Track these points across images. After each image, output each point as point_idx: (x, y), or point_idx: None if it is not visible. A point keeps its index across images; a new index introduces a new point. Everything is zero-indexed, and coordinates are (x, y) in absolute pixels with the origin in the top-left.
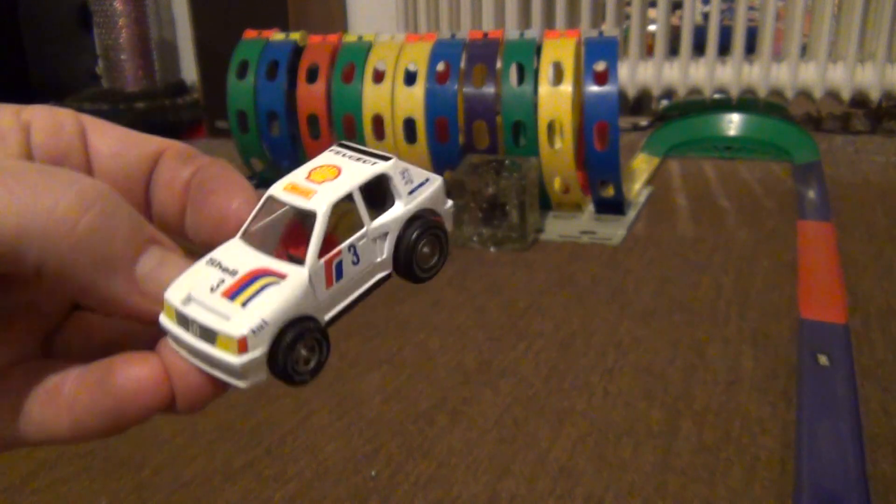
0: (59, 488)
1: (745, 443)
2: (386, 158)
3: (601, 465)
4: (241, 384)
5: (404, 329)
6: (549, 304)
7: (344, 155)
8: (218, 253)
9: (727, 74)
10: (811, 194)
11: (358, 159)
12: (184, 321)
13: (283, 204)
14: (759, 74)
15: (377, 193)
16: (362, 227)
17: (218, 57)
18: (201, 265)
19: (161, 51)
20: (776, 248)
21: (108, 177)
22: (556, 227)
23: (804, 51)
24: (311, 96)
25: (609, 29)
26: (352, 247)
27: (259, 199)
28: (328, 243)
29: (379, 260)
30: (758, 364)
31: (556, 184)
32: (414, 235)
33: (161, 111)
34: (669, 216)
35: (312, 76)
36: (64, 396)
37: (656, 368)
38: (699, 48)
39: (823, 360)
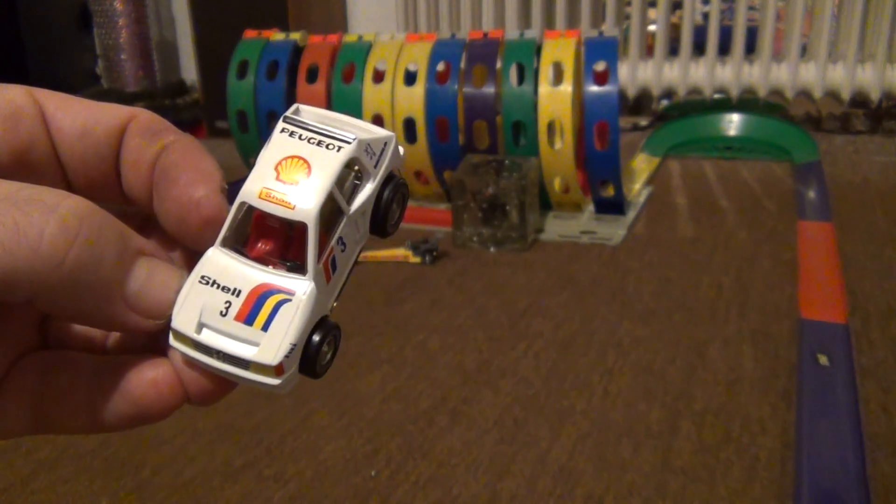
0: (59, 488)
1: (745, 443)
2: (345, 140)
3: (601, 465)
4: (278, 392)
5: (404, 329)
6: (549, 304)
7: (301, 137)
8: (207, 268)
9: (727, 74)
10: (811, 194)
11: (318, 143)
12: (204, 349)
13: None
14: (759, 74)
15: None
16: (341, 212)
17: (218, 57)
18: (196, 284)
19: (161, 51)
20: (776, 248)
21: (75, 159)
22: (556, 227)
23: (804, 51)
24: (311, 96)
25: (609, 29)
26: (339, 238)
27: (224, 180)
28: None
29: (359, 237)
30: (758, 364)
31: (556, 184)
32: (387, 200)
33: (161, 111)
34: (669, 216)
35: (312, 76)
36: (81, 399)
37: (656, 368)
38: (699, 48)
39: (823, 360)
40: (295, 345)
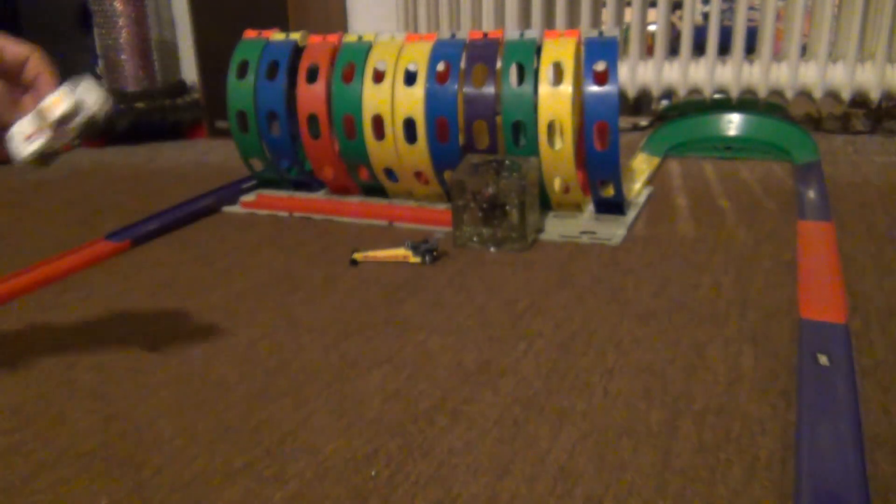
0: (59, 488)
1: (745, 443)
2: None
3: (601, 465)
4: (19, 163)
5: (404, 329)
6: (549, 304)
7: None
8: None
9: (727, 74)
10: (811, 194)
11: (72, 91)
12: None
13: None
14: (759, 74)
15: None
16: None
17: (218, 57)
18: (27, 118)
19: (161, 51)
20: (776, 248)
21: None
22: (556, 227)
23: (804, 51)
24: (311, 96)
25: (609, 29)
26: (58, 122)
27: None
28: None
29: (75, 134)
30: (758, 364)
31: (556, 184)
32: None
33: (161, 111)
34: (669, 216)
35: (312, 76)
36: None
37: (656, 368)
38: (699, 48)
39: (823, 360)
40: (36, 151)
